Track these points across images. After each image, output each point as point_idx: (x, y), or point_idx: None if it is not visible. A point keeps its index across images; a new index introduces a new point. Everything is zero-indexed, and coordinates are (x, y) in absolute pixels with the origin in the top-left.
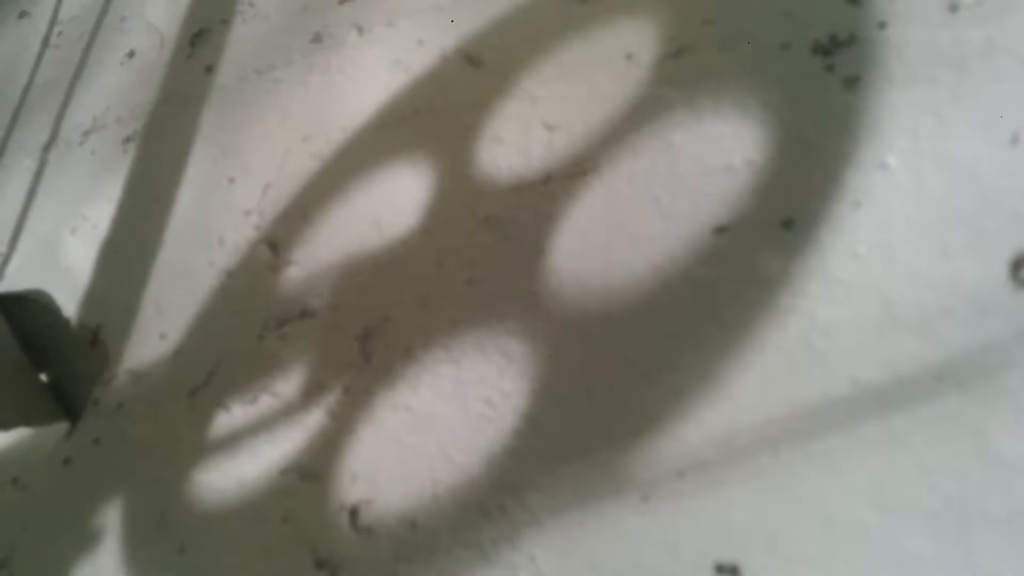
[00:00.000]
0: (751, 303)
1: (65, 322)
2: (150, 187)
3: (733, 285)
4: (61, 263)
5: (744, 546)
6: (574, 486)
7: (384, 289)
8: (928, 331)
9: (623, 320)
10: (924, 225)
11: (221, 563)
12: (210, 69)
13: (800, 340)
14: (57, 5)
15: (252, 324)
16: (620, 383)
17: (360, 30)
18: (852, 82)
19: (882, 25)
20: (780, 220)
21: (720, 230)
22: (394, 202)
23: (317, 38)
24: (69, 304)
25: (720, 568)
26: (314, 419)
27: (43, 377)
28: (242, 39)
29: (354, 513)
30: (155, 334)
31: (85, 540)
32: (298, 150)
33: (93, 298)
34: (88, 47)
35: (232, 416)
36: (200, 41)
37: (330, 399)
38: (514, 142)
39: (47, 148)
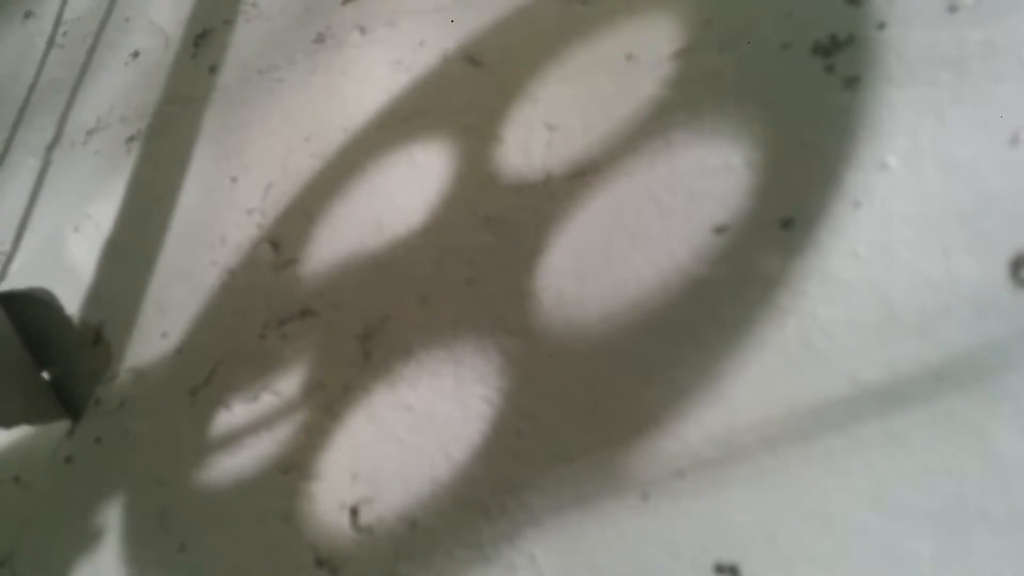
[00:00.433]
0: (751, 302)
1: (67, 320)
2: (153, 186)
3: (733, 284)
4: (64, 261)
5: (744, 546)
6: (574, 486)
7: (385, 288)
8: (928, 331)
9: (623, 320)
10: (924, 225)
11: (222, 561)
12: (213, 69)
13: (800, 340)
14: (62, 5)
15: (253, 323)
16: (620, 382)
17: (362, 30)
18: (852, 82)
19: (882, 25)
20: (780, 220)
21: (720, 229)
22: (395, 202)
23: (319, 38)
24: (72, 302)
25: (720, 568)
26: (315, 418)
27: (45, 375)
28: (245, 39)
29: (354, 512)
30: (157, 332)
31: (86, 538)
32: (300, 149)
33: (96, 296)
34: (92, 47)
35: (233, 414)
36: (204, 41)
37: (331, 398)
38: (515, 142)
39: (51, 147)
